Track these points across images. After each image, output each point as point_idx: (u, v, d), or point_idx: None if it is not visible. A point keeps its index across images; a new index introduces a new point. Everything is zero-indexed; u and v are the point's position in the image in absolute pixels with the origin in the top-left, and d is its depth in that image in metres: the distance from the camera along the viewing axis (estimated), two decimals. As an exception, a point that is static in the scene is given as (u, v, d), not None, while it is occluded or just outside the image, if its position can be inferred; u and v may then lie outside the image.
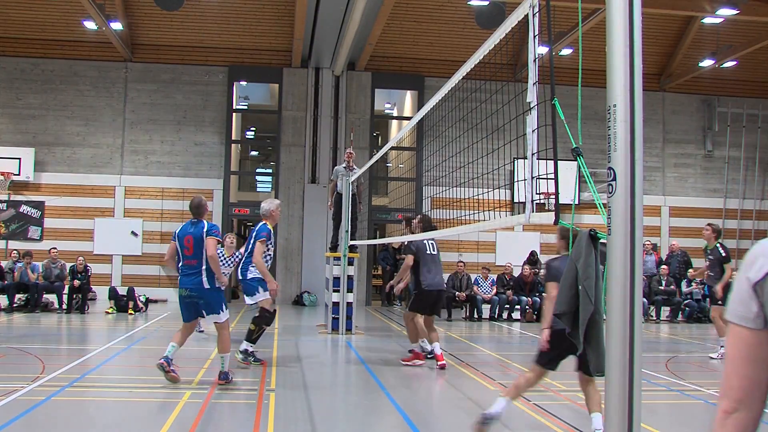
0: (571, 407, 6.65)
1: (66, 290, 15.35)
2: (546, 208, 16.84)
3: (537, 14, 4.24)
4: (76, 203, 18.35)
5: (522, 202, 4.72)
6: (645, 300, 15.64)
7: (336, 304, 11.98)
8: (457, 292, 16.10)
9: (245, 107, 22.68)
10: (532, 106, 4.20)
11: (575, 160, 3.65)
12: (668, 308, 16.70)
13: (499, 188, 6.56)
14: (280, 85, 19.35)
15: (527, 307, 15.89)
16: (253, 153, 30.94)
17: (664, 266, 17.05)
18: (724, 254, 10.27)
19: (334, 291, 12.02)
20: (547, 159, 4.08)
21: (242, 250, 9.67)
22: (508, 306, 16.03)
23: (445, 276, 17.12)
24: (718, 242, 10.46)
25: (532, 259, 17.30)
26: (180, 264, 7.17)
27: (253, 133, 27.27)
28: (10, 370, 8.01)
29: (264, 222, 8.27)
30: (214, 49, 19.04)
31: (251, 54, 19.24)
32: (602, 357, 3.38)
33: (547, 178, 4.30)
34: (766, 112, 20.97)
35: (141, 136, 18.87)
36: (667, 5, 15.83)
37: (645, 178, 14.75)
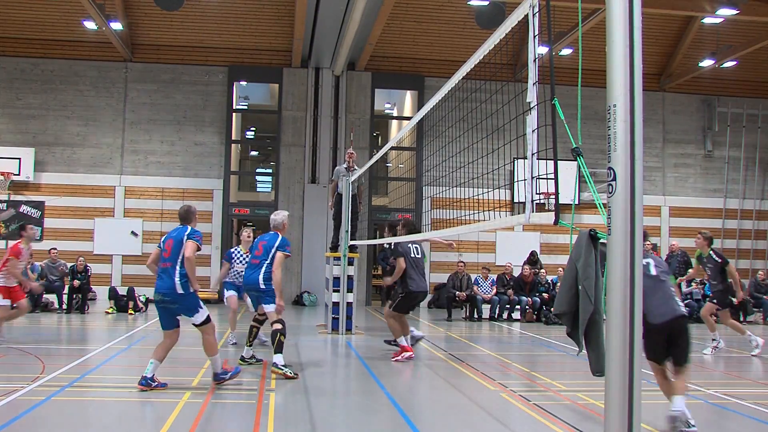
0: (571, 407, 6.65)
1: (66, 290, 15.34)
2: (546, 208, 16.85)
3: (537, 14, 4.24)
4: (76, 203, 18.34)
5: (522, 202, 4.72)
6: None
7: (336, 304, 11.98)
8: (457, 292, 16.10)
9: (245, 107, 22.68)
10: (532, 106, 4.20)
11: (575, 160, 3.65)
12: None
13: (499, 188, 6.56)
14: (280, 85, 19.35)
15: (527, 307, 15.88)
16: (253, 153, 30.93)
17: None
18: (720, 260, 10.43)
19: (334, 291, 12.02)
20: (547, 159, 4.08)
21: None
22: (508, 306, 16.03)
23: (445, 276, 17.29)
24: (712, 249, 10.63)
25: (532, 259, 17.30)
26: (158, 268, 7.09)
27: (253, 133, 27.27)
28: (10, 370, 8.01)
29: (277, 232, 8.22)
30: (214, 49, 19.04)
31: (251, 54, 19.24)
32: (602, 357, 3.38)
33: (547, 178, 4.31)
34: (766, 112, 20.98)
35: (141, 136, 18.87)
36: (667, 5, 15.83)
37: (645, 178, 14.79)
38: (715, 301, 10.63)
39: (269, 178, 26.90)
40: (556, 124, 3.82)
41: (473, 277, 16.48)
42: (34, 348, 9.52)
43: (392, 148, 18.38)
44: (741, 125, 20.70)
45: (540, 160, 4.28)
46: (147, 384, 6.76)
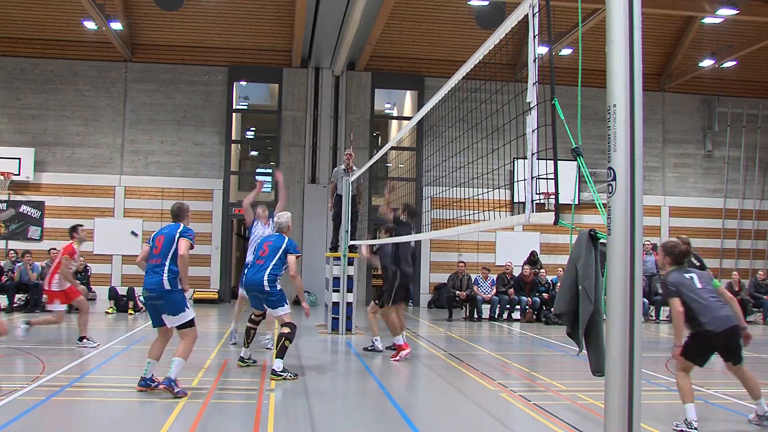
0: (571, 407, 6.65)
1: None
2: (546, 208, 16.85)
3: (537, 14, 4.24)
4: (76, 203, 18.34)
5: (522, 202, 4.72)
6: (645, 300, 15.64)
7: (336, 304, 11.98)
8: (457, 292, 16.10)
9: (245, 107, 22.67)
10: (532, 106, 4.20)
11: (575, 160, 3.65)
12: (668, 308, 16.67)
13: (499, 188, 6.56)
14: (280, 85, 19.35)
15: (527, 307, 15.89)
16: (253, 153, 30.91)
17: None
18: (699, 263, 10.64)
19: (334, 291, 12.02)
20: (547, 159, 4.08)
21: (249, 257, 9.59)
22: (508, 306, 16.03)
23: (445, 276, 17.28)
24: (693, 253, 10.78)
25: (533, 259, 17.30)
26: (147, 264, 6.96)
27: (253, 133, 27.24)
28: (10, 370, 8.01)
29: (282, 234, 8.13)
30: (214, 49, 19.04)
31: (251, 54, 19.24)
32: (602, 357, 3.38)
33: (547, 178, 4.31)
34: (766, 112, 20.98)
35: (141, 136, 18.87)
36: (667, 5, 15.83)
37: (645, 178, 14.79)
38: None
39: (269, 179, 26.89)
40: (556, 124, 3.81)
41: (473, 277, 16.48)
42: (34, 348, 9.51)
43: (392, 148, 18.39)
44: (741, 125, 20.71)
45: (540, 160, 4.27)
46: (147, 385, 6.73)
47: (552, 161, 3.81)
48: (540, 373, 8.91)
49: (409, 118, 18.94)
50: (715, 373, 9.20)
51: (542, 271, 16.84)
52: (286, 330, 7.75)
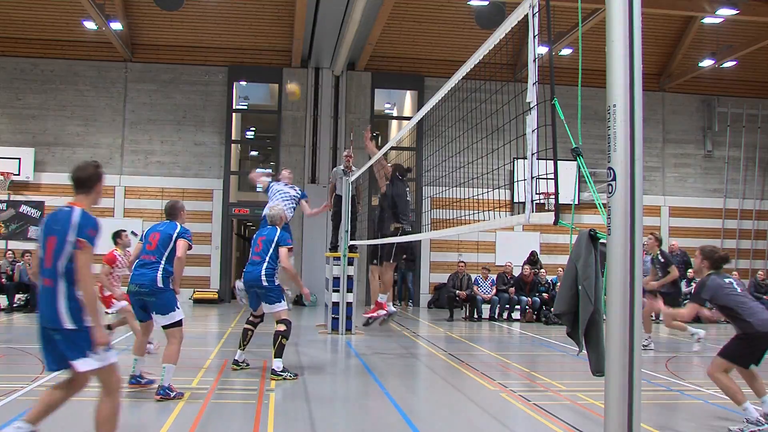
0: (571, 407, 6.65)
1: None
2: (546, 208, 16.85)
3: (537, 14, 4.24)
4: (75, 203, 18.33)
5: (522, 202, 4.72)
6: (645, 300, 15.64)
7: (336, 304, 11.98)
8: (457, 291, 16.10)
9: (245, 107, 22.67)
10: (532, 106, 4.20)
11: (575, 160, 3.65)
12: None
13: (499, 188, 6.56)
14: (280, 85, 19.35)
15: (527, 307, 15.89)
16: (253, 153, 30.92)
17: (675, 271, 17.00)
18: (664, 260, 10.75)
19: (334, 291, 12.02)
20: (547, 159, 4.08)
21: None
22: (508, 306, 16.04)
23: (445, 276, 17.27)
24: (660, 250, 10.95)
25: (533, 259, 17.30)
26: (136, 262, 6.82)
27: (253, 133, 27.25)
28: (10, 370, 8.01)
29: (275, 226, 8.04)
30: (214, 49, 19.04)
31: (251, 54, 19.24)
32: (602, 357, 3.38)
33: (547, 178, 4.31)
34: (766, 112, 20.98)
35: (141, 136, 18.88)
36: (667, 5, 15.83)
37: (645, 178, 14.79)
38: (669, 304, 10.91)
39: (269, 179, 26.87)
40: (556, 124, 3.81)
41: (473, 277, 16.48)
42: (34, 348, 9.50)
43: (392, 148, 18.38)
44: (741, 125, 20.71)
45: (540, 160, 4.27)
46: (137, 382, 6.72)
47: (552, 161, 3.81)
48: (540, 373, 8.91)
49: (409, 118, 18.93)
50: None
51: (542, 271, 16.84)
52: (282, 327, 7.71)
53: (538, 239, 19.40)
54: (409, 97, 21.00)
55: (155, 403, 6.41)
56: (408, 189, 9.81)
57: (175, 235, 6.76)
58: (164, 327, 6.66)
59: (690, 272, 17.17)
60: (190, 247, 6.81)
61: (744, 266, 20.15)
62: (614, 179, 3.13)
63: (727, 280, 5.99)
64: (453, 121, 7.89)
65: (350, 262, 12.16)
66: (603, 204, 3.37)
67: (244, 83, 20.61)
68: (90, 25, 16.91)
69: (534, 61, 4.23)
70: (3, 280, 15.31)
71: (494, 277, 16.54)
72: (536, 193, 4.47)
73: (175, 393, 6.50)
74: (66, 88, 18.66)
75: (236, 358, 8.25)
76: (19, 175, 17.91)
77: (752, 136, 20.73)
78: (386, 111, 23.76)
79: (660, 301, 10.75)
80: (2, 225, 18.11)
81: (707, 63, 18.63)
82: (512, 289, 16.03)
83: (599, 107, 16.14)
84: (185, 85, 19.04)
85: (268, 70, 19.31)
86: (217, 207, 18.93)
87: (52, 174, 18.42)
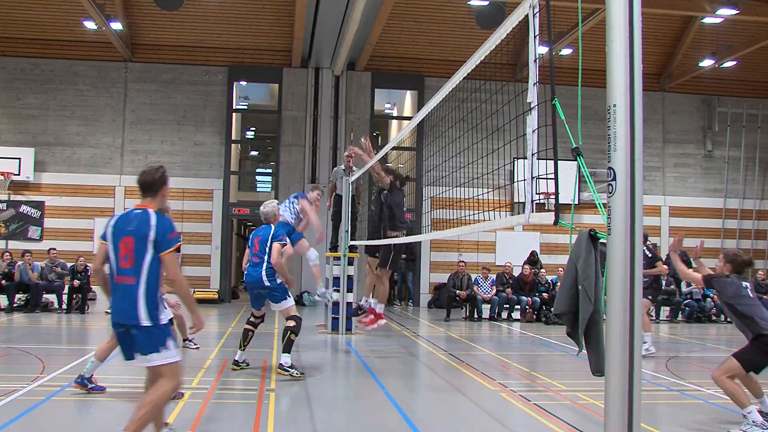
0: (571, 407, 6.65)
1: (66, 290, 15.34)
2: (546, 208, 16.85)
3: (537, 14, 4.23)
4: (76, 203, 18.35)
5: (522, 202, 4.72)
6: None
7: (336, 304, 11.98)
8: (457, 291, 16.10)
9: (245, 107, 22.68)
10: (532, 106, 4.20)
11: (575, 160, 3.65)
12: (668, 308, 16.72)
13: (499, 188, 6.56)
14: (280, 85, 19.36)
15: (527, 306, 15.89)
16: (253, 153, 30.94)
17: (664, 266, 17.02)
18: (650, 255, 10.75)
19: (334, 291, 12.02)
20: (547, 159, 4.08)
21: (246, 255, 9.42)
22: (507, 306, 16.04)
23: (445, 276, 17.27)
24: (645, 245, 10.97)
25: (533, 259, 17.31)
26: None
27: (253, 133, 27.27)
28: (10, 370, 8.01)
29: (270, 224, 7.97)
30: (214, 49, 19.04)
31: (251, 54, 19.24)
32: (602, 357, 3.38)
33: (547, 178, 4.31)
34: (766, 112, 20.98)
35: (141, 136, 18.88)
36: (667, 5, 15.84)
37: (645, 178, 14.79)
38: (650, 297, 10.86)
39: (269, 178, 26.90)
40: (556, 124, 3.81)
41: (473, 276, 16.48)
42: (34, 348, 9.51)
43: (392, 149, 18.39)
44: (741, 125, 20.71)
45: (540, 160, 4.28)
46: (82, 384, 6.50)
47: (552, 161, 3.81)
48: (540, 373, 8.91)
49: (409, 118, 18.94)
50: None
51: (542, 271, 16.85)
52: (291, 323, 7.72)
53: (538, 239, 19.41)
54: (409, 97, 21.00)
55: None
56: (405, 197, 9.81)
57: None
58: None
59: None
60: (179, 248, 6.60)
61: (744, 266, 20.14)
62: (614, 179, 3.13)
63: (744, 284, 6.02)
64: (453, 121, 7.90)
65: (350, 262, 12.16)
66: (603, 204, 3.37)
67: (244, 83, 20.62)
68: (90, 25, 16.92)
69: (534, 61, 4.23)
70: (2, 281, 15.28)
71: (494, 276, 16.54)
72: (536, 193, 4.47)
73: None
74: (66, 88, 18.66)
75: (236, 359, 8.21)
76: (19, 175, 17.92)
77: (752, 136, 20.74)
78: (386, 111, 23.77)
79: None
80: (2, 225, 18.12)
81: (707, 63, 18.63)
82: (509, 290, 16.03)
83: (599, 107, 16.13)
84: (185, 85, 19.05)
85: (268, 70, 19.31)
86: (217, 207, 18.93)
87: (52, 174, 18.43)
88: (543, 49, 4.40)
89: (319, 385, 7.49)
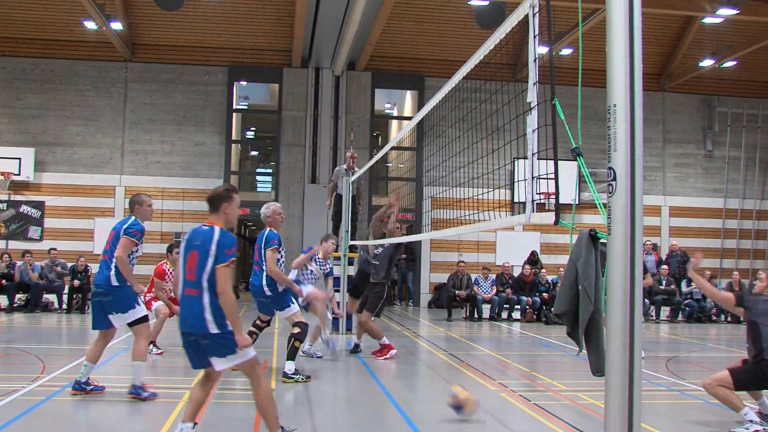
0: (571, 407, 6.65)
1: (66, 290, 15.34)
2: (546, 208, 16.84)
3: (537, 14, 4.24)
4: (76, 203, 18.34)
5: (522, 202, 4.72)
6: (645, 300, 15.64)
7: (336, 304, 11.96)
8: (457, 291, 16.10)
9: (245, 107, 22.68)
10: (532, 106, 4.20)
11: (575, 160, 3.65)
12: (668, 308, 16.72)
13: (499, 188, 6.55)
14: (280, 85, 19.35)
15: (527, 306, 15.89)
16: (253, 153, 30.93)
17: (664, 266, 17.06)
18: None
19: (335, 291, 12.00)
20: (547, 159, 4.08)
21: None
22: (507, 306, 16.04)
23: (445, 276, 17.28)
24: None
25: (533, 259, 17.30)
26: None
27: (253, 133, 27.26)
28: (10, 370, 8.01)
29: (269, 228, 7.67)
30: (214, 49, 19.04)
31: (251, 54, 19.24)
32: (602, 357, 3.38)
33: (547, 178, 4.31)
34: (766, 112, 20.98)
35: (141, 136, 18.88)
36: (667, 5, 15.83)
37: (645, 178, 14.74)
38: None
39: (269, 178, 26.89)
40: (556, 124, 3.81)
41: (473, 277, 16.48)
42: (34, 348, 9.51)
43: (392, 148, 18.39)
44: (741, 125, 20.71)
45: (540, 160, 4.28)
46: (81, 389, 6.50)
47: (552, 161, 3.81)
48: (540, 373, 8.91)
49: (409, 118, 18.95)
50: (714, 373, 9.19)
51: (542, 271, 16.84)
52: (296, 330, 7.61)
53: (538, 239, 19.40)
54: (409, 97, 21.00)
55: (156, 403, 6.41)
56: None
57: (122, 231, 6.47)
58: (129, 325, 6.52)
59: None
60: (136, 243, 6.48)
61: (744, 266, 20.15)
62: (614, 179, 3.13)
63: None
64: (453, 121, 7.90)
65: (350, 262, 12.15)
66: (603, 204, 3.37)
67: (244, 83, 20.62)
68: (90, 25, 16.92)
69: (534, 61, 4.23)
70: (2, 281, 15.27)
71: (494, 276, 16.54)
72: (537, 193, 4.47)
73: (147, 393, 6.38)
74: (66, 88, 18.66)
75: None
76: (19, 175, 17.92)
77: (752, 135, 20.73)
78: (386, 111, 23.76)
79: None
80: (2, 225, 18.12)
81: (707, 63, 18.63)
82: (509, 290, 16.03)
83: (599, 107, 16.16)
84: (185, 85, 19.05)
85: (268, 70, 19.31)
86: (218, 207, 18.90)
87: (53, 174, 18.43)
88: (543, 49, 4.40)
89: (319, 385, 7.49)
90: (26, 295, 15.30)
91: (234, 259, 4.60)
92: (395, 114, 23.59)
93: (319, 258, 9.24)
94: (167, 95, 18.98)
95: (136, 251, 6.61)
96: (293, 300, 7.77)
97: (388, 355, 9.40)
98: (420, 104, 18.67)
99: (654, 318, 16.44)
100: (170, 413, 5.95)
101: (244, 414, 6.11)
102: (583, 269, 3.55)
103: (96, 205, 18.40)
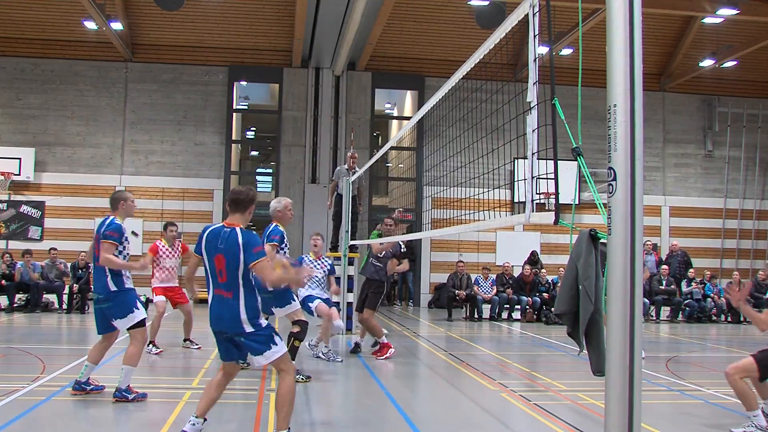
0: (571, 407, 6.65)
1: (66, 290, 15.34)
2: (546, 208, 16.85)
3: (537, 14, 4.24)
4: (76, 203, 18.34)
5: (522, 202, 4.72)
6: (645, 300, 15.65)
7: (336, 304, 11.96)
8: (457, 291, 16.10)
9: (245, 107, 22.68)
10: (532, 105, 4.20)
11: (575, 160, 3.65)
12: (668, 308, 16.72)
13: (499, 188, 6.55)
14: (280, 85, 19.35)
15: (527, 306, 15.89)
16: (253, 153, 30.94)
17: (664, 266, 17.06)
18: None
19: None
20: (547, 159, 4.08)
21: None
22: (507, 306, 16.04)
23: (445, 276, 17.29)
24: None
25: (533, 259, 17.30)
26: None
27: (253, 133, 27.27)
28: (10, 370, 8.01)
29: (275, 224, 7.50)
30: (214, 49, 19.04)
31: (251, 54, 19.24)
32: (602, 357, 3.38)
33: (547, 178, 4.31)
34: (766, 112, 20.98)
35: (141, 136, 18.88)
36: (667, 5, 15.83)
37: (645, 178, 14.78)
38: None
39: (269, 178, 26.90)
40: (556, 124, 3.81)
41: (473, 277, 16.48)
42: (34, 348, 9.51)
43: (392, 148, 18.40)
44: (741, 125, 20.71)
45: (540, 160, 4.28)
46: (81, 389, 6.50)
47: (552, 161, 3.81)
48: (540, 373, 8.91)
49: (409, 118, 18.94)
50: (715, 373, 9.20)
51: (543, 271, 16.84)
52: (296, 329, 7.45)
53: (538, 239, 19.40)
54: (409, 97, 21.01)
55: (156, 403, 6.41)
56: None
57: (101, 234, 6.47)
58: (128, 329, 6.53)
59: (690, 272, 17.19)
60: (116, 246, 6.48)
61: (744, 266, 20.16)
62: (615, 179, 3.13)
63: None
64: (453, 120, 7.90)
65: (350, 262, 12.15)
66: (603, 204, 3.37)
67: (244, 83, 20.62)
68: (90, 25, 16.92)
69: (534, 60, 4.23)
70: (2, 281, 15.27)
71: (494, 276, 16.54)
72: (536, 193, 4.47)
73: (134, 395, 6.34)
74: (66, 88, 18.66)
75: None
76: (19, 175, 17.92)
77: (752, 136, 20.73)
78: (386, 111, 23.77)
79: None
80: (2, 225, 18.12)
81: (707, 63, 18.63)
82: (509, 290, 16.03)
83: (599, 107, 16.16)
84: (185, 85, 19.05)
85: (268, 70, 19.31)
86: (218, 207, 18.91)
87: (53, 174, 18.43)
88: (543, 49, 4.40)
89: (319, 385, 7.49)
90: (26, 295, 15.30)
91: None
92: (395, 114, 23.60)
93: (310, 259, 9.31)
94: (167, 95, 18.98)
95: (123, 250, 6.61)
96: (294, 297, 7.70)
97: (387, 355, 9.41)
98: (420, 104, 18.67)
99: (654, 318, 16.44)
100: (170, 413, 5.95)
101: (244, 414, 6.11)
102: (583, 269, 3.55)
103: (96, 205, 18.38)
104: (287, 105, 19.28)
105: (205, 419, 4.99)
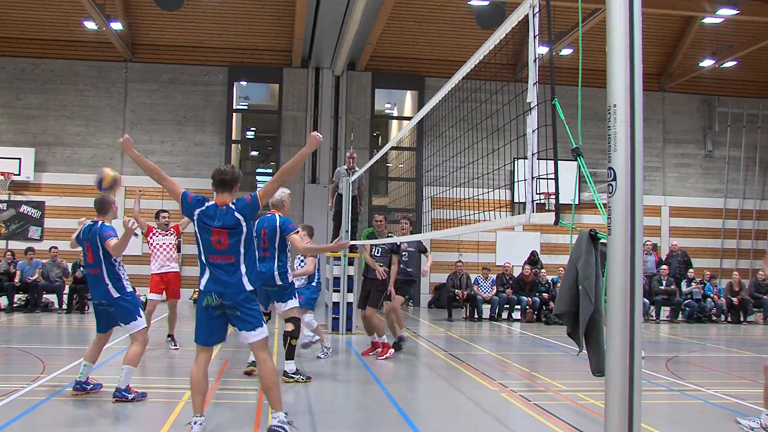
0: (571, 407, 6.65)
1: (66, 290, 15.35)
2: (546, 208, 16.85)
3: (537, 14, 4.23)
4: (76, 203, 18.33)
5: (522, 202, 4.72)
6: (645, 300, 15.66)
7: (336, 304, 11.98)
8: (456, 291, 16.10)
9: (245, 107, 22.68)
10: (532, 106, 4.20)
11: (575, 160, 3.65)
12: (668, 308, 16.72)
13: (499, 188, 6.55)
14: (280, 85, 19.36)
15: (527, 307, 15.89)
16: (253, 153, 30.92)
17: (664, 266, 17.06)
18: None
19: (335, 291, 12.02)
20: (547, 159, 4.08)
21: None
22: (507, 306, 16.03)
23: (445, 276, 17.30)
24: None
25: (533, 259, 17.30)
26: (84, 271, 6.82)
27: (253, 133, 27.25)
28: (10, 370, 8.01)
29: (277, 213, 7.43)
30: (214, 49, 19.05)
31: (251, 54, 19.25)
32: (602, 357, 3.38)
33: (547, 178, 4.31)
34: (766, 112, 20.98)
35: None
36: (667, 5, 15.83)
37: (645, 178, 14.80)
38: None
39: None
40: (556, 124, 3.81)
41: (473, 277, 16.48)
42: (34, 348, 9.51)
43: (392, 148, 18.39)
44: (741, 125, 20.71)
45: (540, 160, 4.28)
46: (82, 389, 6.52)
47: (552, 161, 3.81)
48: (540, 373, 8.91)
49: (409, 118, 18.96)
50: (715, 373, 9.21)
51: (542, 271, 16.85)
52: (290, 327, 7.40)
53: (538, 239, 19.40)
54: (409, 97, 21.01)
55: (156, 403, 6.41)
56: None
57: (98, 238, 6.64)
58: (130, 333, 6.62)
59: (690, 272, 17.19)
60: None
61: (744, 266, 20.16)
62: (614, 179, 3.13)
63: None
64: (453, 121, 7.89)
65: (350, 262, 12.15)
66: (603, 204, 3.37)
67: (244, 83, 20.62)
68: (90, 25, 16.92)
69: (534, 61, 4.23)
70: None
71: (494, 277, 16.54)
72: (537, 193, 4.47)
73: (134, 395, 6.33)
74: (66, 88, 18.67)
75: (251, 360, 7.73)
76: (19, 175, 17.92)
77: (752, 136, 20.74)
78: (386, 111, 23.77)
79: None
80: (2, 225, 18.12)
81: (707, 63, 18.63)
82: (509, 290, 16.03)
83: (599, 107, 16.15)
84: (185, 85, 19.05)
85: (268, 70, 19.31)
86: (218, 207, 18.92)
87: (53, 174, 18.43)
88: (543, 49, 4.40)
89: (319, 385, 7.49)
90: (26, 295, 15.30)
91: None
92: (395, 114, 23.60)
93: (303, 259, 9.30)
94: (167, 95, 18.99)
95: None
96: (295, 295, 7.61)
97: (387, 355, 9.42)
98: (420, 104, 18.67)
99: (654, 318, 16.44)
100: (170, 413, 5.95)
101: (244, 414, 6.11)
102: (583, 269, 3.55)
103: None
104: (287, 105, 19.28)
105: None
